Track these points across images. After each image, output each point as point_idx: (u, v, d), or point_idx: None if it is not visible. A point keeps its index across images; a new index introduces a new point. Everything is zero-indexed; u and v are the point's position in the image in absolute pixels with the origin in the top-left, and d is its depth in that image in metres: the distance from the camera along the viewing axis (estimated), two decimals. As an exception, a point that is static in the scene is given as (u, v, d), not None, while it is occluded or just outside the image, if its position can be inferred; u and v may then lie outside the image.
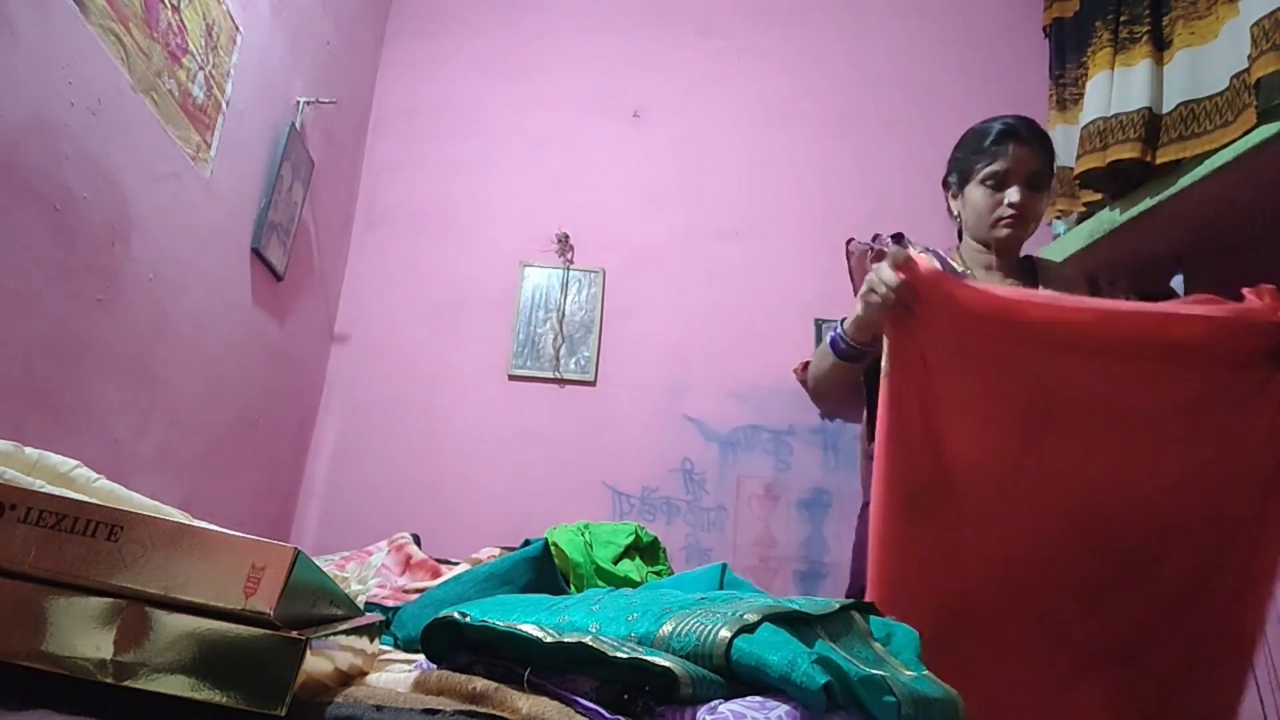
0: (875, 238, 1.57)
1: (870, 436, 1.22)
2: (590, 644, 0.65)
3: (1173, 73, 2.30)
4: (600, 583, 1.61)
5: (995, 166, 1.41)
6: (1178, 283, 2.55)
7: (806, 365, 1.47)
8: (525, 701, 0.60)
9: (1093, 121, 2.48)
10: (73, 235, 1.52)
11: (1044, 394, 0.86)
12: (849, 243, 1.60)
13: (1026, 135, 1.40)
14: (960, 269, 1.44)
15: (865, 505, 1.36)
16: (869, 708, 0.66)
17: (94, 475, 0.84)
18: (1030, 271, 1.45)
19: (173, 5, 1.75)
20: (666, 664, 0.64)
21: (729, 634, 0.69)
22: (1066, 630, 0.85)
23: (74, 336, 1.55)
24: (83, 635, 0.55)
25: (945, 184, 1.52)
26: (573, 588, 1.58)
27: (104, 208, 1.60)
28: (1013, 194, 1.39)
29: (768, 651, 0.66)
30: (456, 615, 0.70)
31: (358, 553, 1.79)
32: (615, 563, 1.75)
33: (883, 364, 0.91)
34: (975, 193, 1.44)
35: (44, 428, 1.50)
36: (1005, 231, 1.41)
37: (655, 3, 3.17)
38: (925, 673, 0.82)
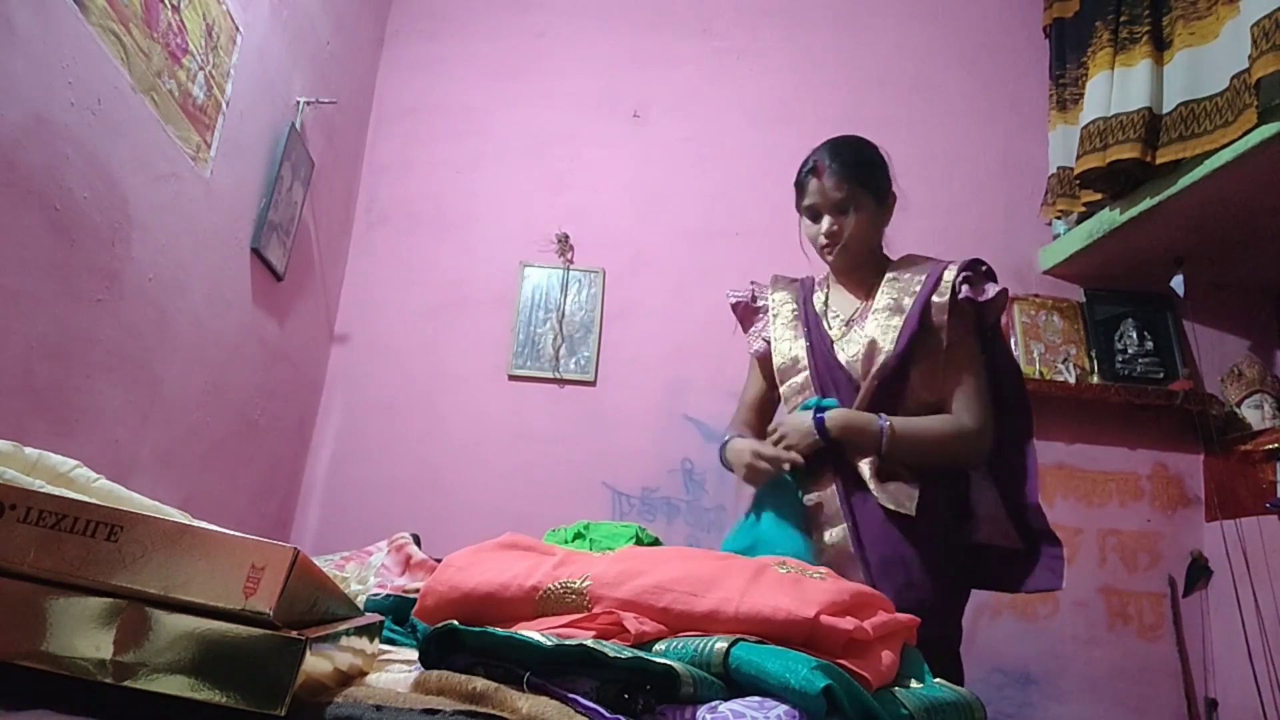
0: (753, 283, 1.79)
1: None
2: (591, 647, 0.65)
3: (1173, 73, 2.30)
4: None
5: (806, 201, 1.57)
6: (1178, 282, 2.55)
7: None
8: (525, 702, 0.60)
9: (1093, 121, 2.48)
10: (73, 235, 1.52)
11: None
12: (728, 297, 1.80)
13: (829, 168, 1.53)
14: (823, 294, 1.64)
15: None
16: None
17: (94, 475, 0.84)
18: (880, 273, 1.58)
19: (173, 5, 1.75)
20: (668, 662, 0.65)
21: (725, 645, 0.69)
22: None
23: (74, 336, 1.55)
24: (83, 635, 0.55)
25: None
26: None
27: (104, 208, 1.60)
28: (824, 224, 1.55)
29: (766, 659, 0.66)
30: (456, 623, 0.70)
31: (358, 553, 1.79)
32: (615, 563, 1.75)
33: None
34: (803, 224, 1.61)
35: (44, 428, 1.50)
36: (829, 256, 1.58)
37: (655, 3, 3.17)
38: (935, 680, 0.82)
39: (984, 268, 1.51)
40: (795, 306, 1.65)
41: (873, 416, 1.43)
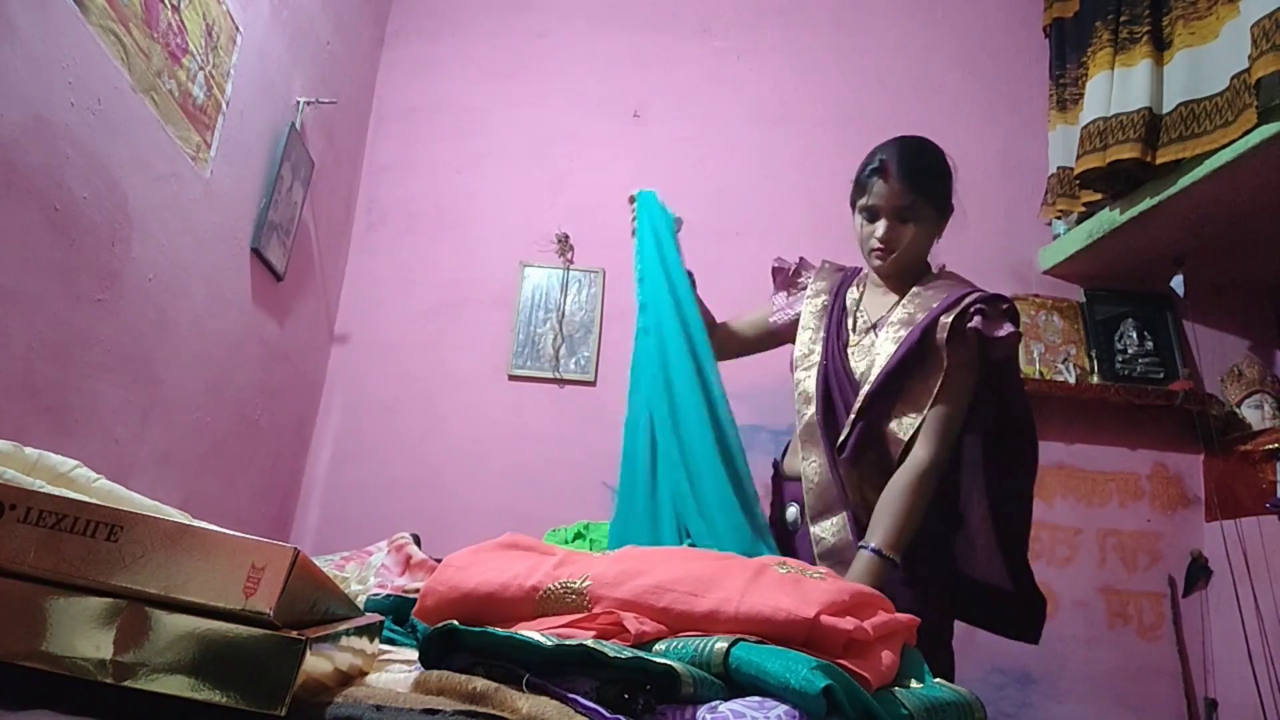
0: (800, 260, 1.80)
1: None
2: (591, 647, 0.65)
3: (1173, 73, 2.30)
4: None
5: (865, 201, 1.51)
6: (1178, 283, 2.55)
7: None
8: (525, 702, 0.60)
9: (1093, 121, 2.48)
10: (73, 235, 1.52)
11: None
12: (775, 261, 1.84)
13: (896, 172, 1.47)
14: (858, 291, 1.62)
15: None
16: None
17: (94, 475, 0.84)
18: (916, 283, 1.54)
19: (173, 5, 1.75)
20: (668, 662, 0.65)
21: (725, 645, 0.69)
22: None
23: (74, 336, 1.55)
24: (83, 635, 0.55)
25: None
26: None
27: (104, 208, 1.60)
28: (878, 228, 1.50)
29: (766, 659, 0.66)
30: (456, 623, 0.70)
31: (358, 553, 1.79)
32: (615, 563, 1.75)
33: None
34: (855, 222, 1.56)
35: (44, 428, 1.49)
36: (877, 261, 1.53)
37: (655, 3, 3.17)
38: (935, 680, 0.82)
39: (1005, 306, 1.44)
40: (827, 299, 1.63)
41: (865, 559, 1.33)
